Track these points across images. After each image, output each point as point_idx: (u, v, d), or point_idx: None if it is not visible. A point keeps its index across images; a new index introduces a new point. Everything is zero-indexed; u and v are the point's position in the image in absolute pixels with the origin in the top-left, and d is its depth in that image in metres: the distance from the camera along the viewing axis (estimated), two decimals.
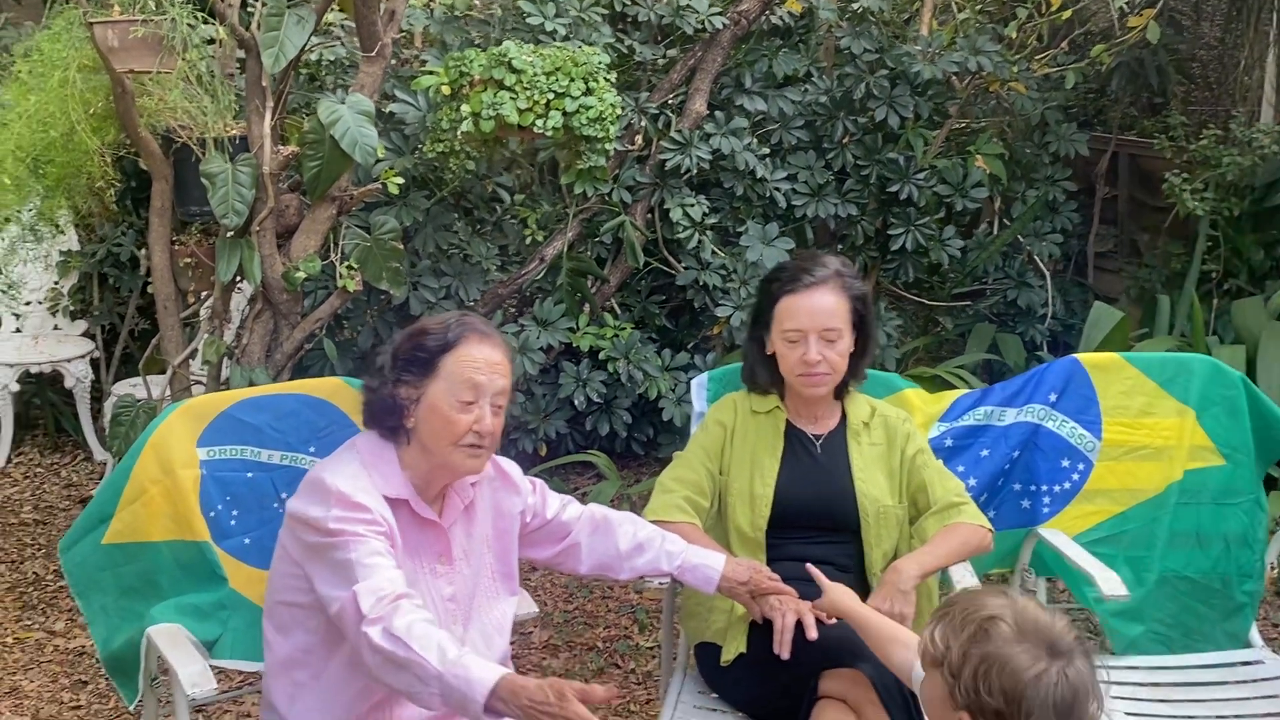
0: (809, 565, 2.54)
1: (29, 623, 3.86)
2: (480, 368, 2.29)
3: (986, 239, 5.79)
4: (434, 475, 2.32)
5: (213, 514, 2.62)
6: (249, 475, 2.66)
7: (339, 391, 2.74)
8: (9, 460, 5.09)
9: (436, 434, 2.27)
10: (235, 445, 2.66)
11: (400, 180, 3.98)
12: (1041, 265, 5.81)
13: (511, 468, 2.53)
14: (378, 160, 3.82)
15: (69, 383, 5.17)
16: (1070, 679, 1.75)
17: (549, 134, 3.99)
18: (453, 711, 2.04)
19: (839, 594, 2.43)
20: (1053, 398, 3.13)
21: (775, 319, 2.78)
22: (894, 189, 5.10)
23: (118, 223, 5.21)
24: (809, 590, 2.63)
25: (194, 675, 2.28)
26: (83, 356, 5.22)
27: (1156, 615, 3.05)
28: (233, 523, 2.65)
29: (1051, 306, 5.80)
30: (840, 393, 2.87)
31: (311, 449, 2.69)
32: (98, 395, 5.32)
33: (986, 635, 1.79)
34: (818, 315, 2.72)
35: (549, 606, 4.06)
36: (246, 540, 2.65)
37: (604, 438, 4.96)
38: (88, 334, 5.42)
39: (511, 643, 3.78)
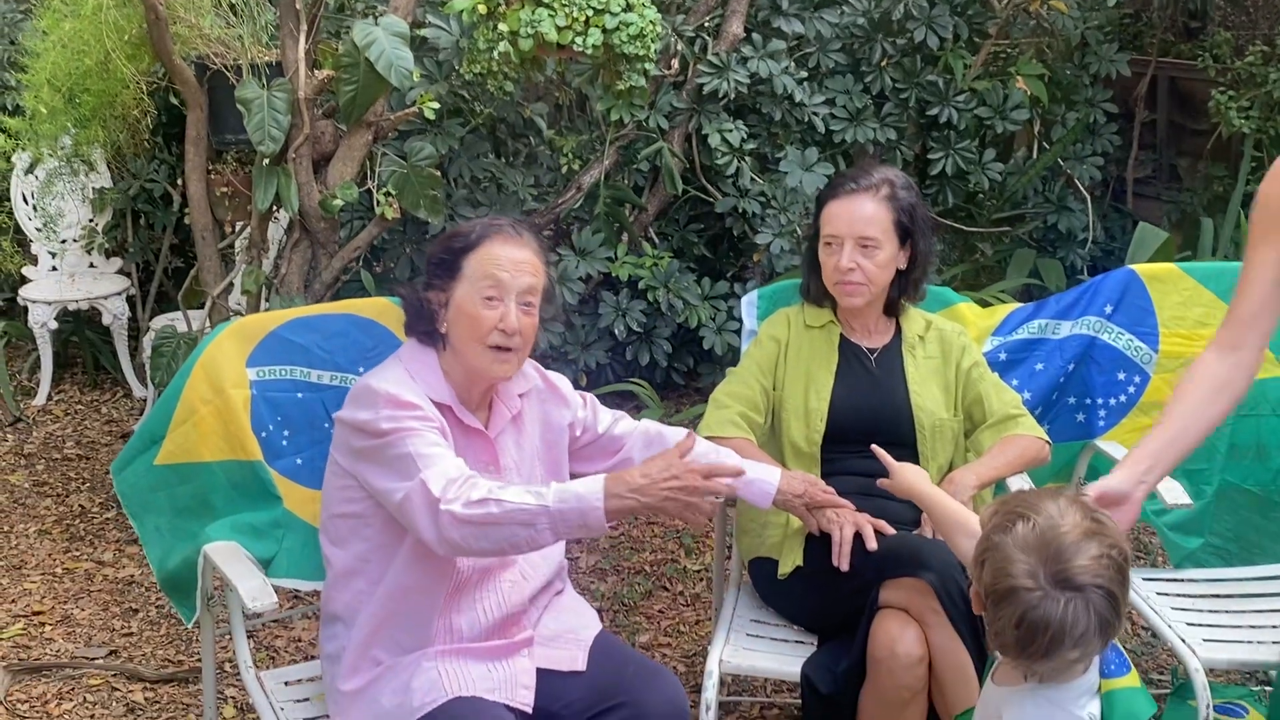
0: (874, 446, 2.47)
1: (77, 554, 3.88)
2: (502, 264, 2.26)
3: (1026, 163, 5.69)
4: (471, 381, 2.30)
5: (264, 434, 2.61)
6: (299, 395, 2.65)
7: (387, 311, 2.72)
8: (50, 398, 5.10)
9: (464, 334, 2.25)
10: (285, 365, 2.64)
11: (436, 105, 3.92)
12: (1082, 188, 5.71)
13: (561, 381, 2.51)
14: (413, 86, 3.77)
15: (106, 320, 5.17)
16: (1050, 612, 1.66)
17: (589, 52, 3.92)
18: (569, 536, 2.06)
19: (908, 474, 2.32)
20: (1108, 310, 3.07)
21: (821, 225, 2.74)
22: (933, 112, 5.00)
23: (151, 158, 5.17)
24: (865, 505, 2.61)
25: (254, 590, 2.28)
26: (119, 294, 5.22)
27: (1215, 528, 3.01)
28: (284, 443, 2.63)
29: (1092, 231, 5.71)
30: (893, 309, 2.82)
31: (360, 369, 2.67)
32: (134, 333, 5.32)
33: (1008, 528, 1.73)
34: (855, 222, 2.67)
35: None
36: (299, 460, 2.64)
37: (644, 368, 4.93)
38: (123, 271, 5.41)
39: None
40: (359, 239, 3.98)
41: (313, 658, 2.94)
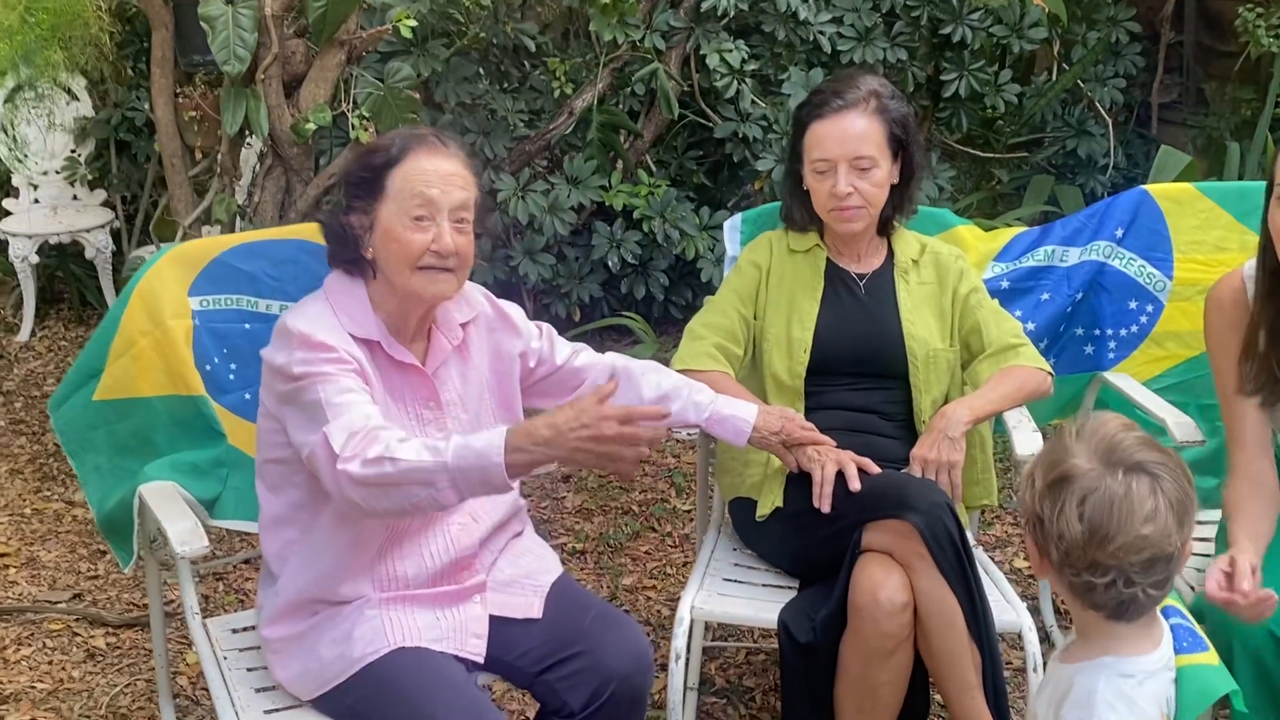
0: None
1: (48, 494, 3.76)
2: (431, 179, 2.06)
3: (1045, 85, 5.44)
4: (406, 309, 2.12)
5: (209, 367, 2.46)
6: (246, 326, 2.49)
7: None
8: (33, 334, 4.97)
9: (394, 259, 2.06)
10: (230, 294, 2.48)
11: (413, 23, 3.72)
12: (1103, 112, 5.47)
13: (513, 309, 2.32)
14: (386, 1, 3.57)
15: (89, 253, 5.02)
16: (1113, 489, 1.55)
17: None
18: (472, 494, 1.89)
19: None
20: (1119, 233, 2.86)
21: (805, 149, 2.54)
22: (946, 31, 4.76)
23: (132, 86, 4.99)
24: (851, 441, 2.44)
25: (183, 533, 2.13)
26: (102, 226, 5.06)
27: None
28: (231, 377, 2.48)
29: (1113, 156, 5.47)
30: (885, 229, 2.63)
31: None
32: (120, 266, 5.17)
33: (1055, 439, 1.65)
34: (847, 142, 2.48)
35: (583, 471, 3.89)
36: (247, 395, 2.48)
37: (640, 301, 4.75)
38: (107, 203, 5.25)
39: (543, 506, 3.69)
40: (334, 165, 3.80)
41: None
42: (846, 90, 2.50)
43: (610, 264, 4.59)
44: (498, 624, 2.12)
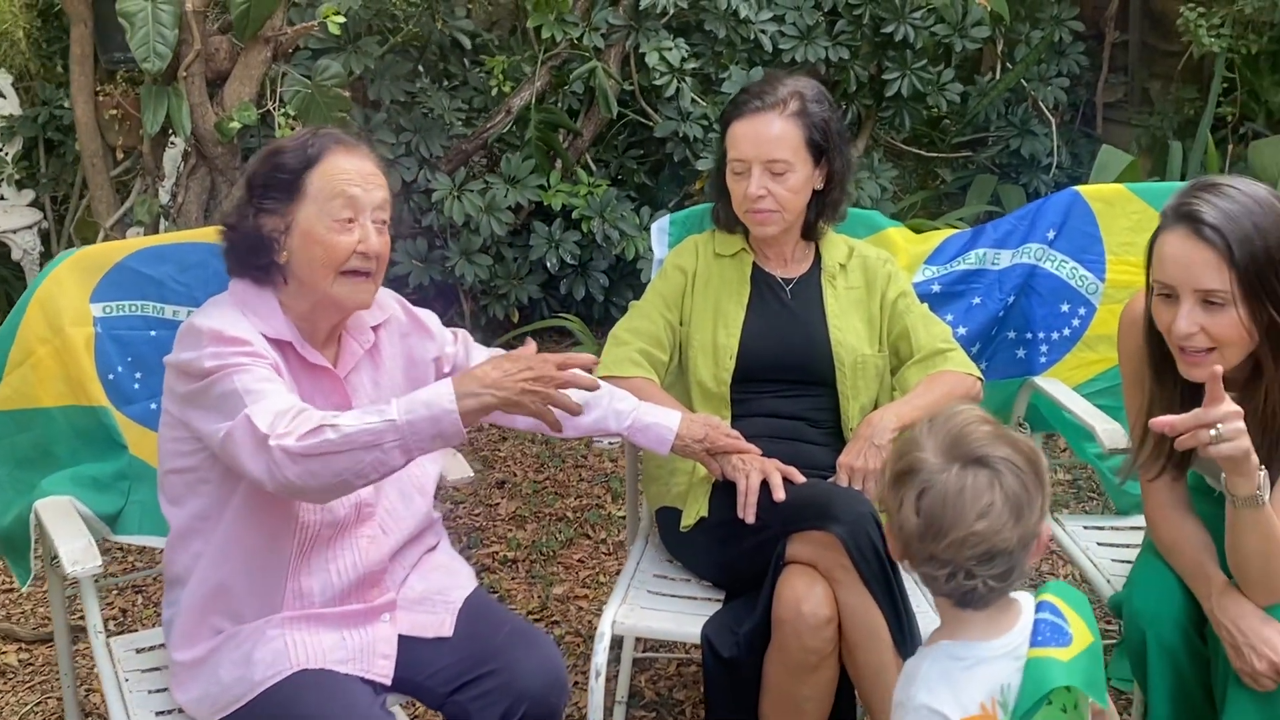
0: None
1: None
2: (353, 179, 2.00)
3: (988, 84, 5.42)
4: (319, 314, 2.05)
5: (112, 376, 2.37)
6: (152, 334, 2.40)
7: None
8: None
9: (315, 263, 1.98)
10: (135, 300, 2.39)
11: (342, 19, 3.63)
12: (1046, 112, 5.46)
13: (428, 315, 2.26)
14: None
15: (16, 255, 4.89)
16: (948, 484, 1.55)
17: None
18: (421, 450, 1.84)
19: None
20: (1051, 235, 2.83)
21: (726, 148, 2.48)
22: (889, 30, 4.73)
23: (60, 84, 4.86)
24: (777, 448, 2.38)
25: (75, 552, 2.04)
26: (29, 227, 4.91)
27: None
28: (136, 386, 2.39)
29: (1057, 156, 5.46)
30: (811, 233, 2.57)
31: None
32: None
33: (913, 431, 1.67)
34: (761, 144, 2.42)
35: (517, 477, 3.83)
36: (153, 405, 2.39)
37: (580, 302, 4.68)
38: (36, 204, 5.11)
39: (476, 514, 3.62)
40: None
41: None
42: (768, 91, 2.45)
43: (549, 265, 4.53)
44: (407, 643, 2.05)
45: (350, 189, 1.99)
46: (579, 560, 3.40)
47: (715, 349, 2.48)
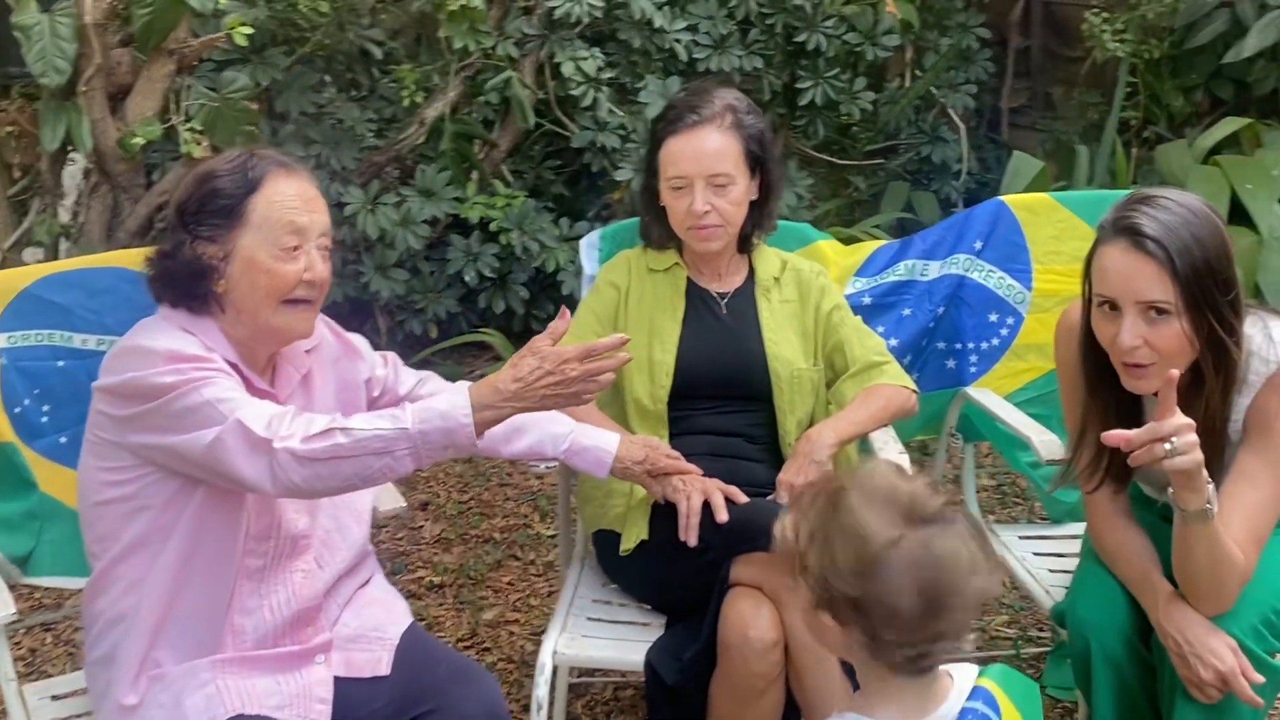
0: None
1: None
2: (298, 206, 1.93)
3: (898, 92, 5.46)
4: (257, 344, 1.97)
5: (18, 410, 2.25)
6: (60, 364, 2.28)
7: None
8: None
9: (259, 292, 1.91)
10: (41, 329, 2.27)
11: (249, 30, 3.52)
12: (955, 118, 5.51)
13: (358, 339, 2.20)
14: (219, 8, 3.37)
15: None
16: (934, 550, 1.42)
17: None
18: (431, 459, 1.82)
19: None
20: (978, 245, 2.83)
21: (661, 165, 2.44)
22: (801, 38, 4.74)
23: None
24: (717, 467, 2.34)
25: None
26: None
27: None
28: (44, 419, 2.27)
29: (966, 162, 5.52)
30: (745, 246, 2.54)
31: None
32: None
33: (833, 508, 1.47)
34: (703, 159, 2.38)
35: (441, 498, 3.74)
36: (63, 439, 2.27)
37: (500, 316, 4.61)
38: None
39: (399, 538, 3.53)
40: (165, 181, 3.60)
41: None
42: (702, 105, 2.41)
43: (467, 278, 4.45)
44: (343, 684, 1.96)
45: (297, 217, 1.92)
46: (508, 583, 3.32)
47: (651, 366, 2.43)
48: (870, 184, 5.50)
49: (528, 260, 4.46)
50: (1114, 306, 1.96)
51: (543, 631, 3.03)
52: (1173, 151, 4.81)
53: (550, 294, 4.70)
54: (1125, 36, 5.21)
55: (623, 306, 2.49)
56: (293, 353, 2.05)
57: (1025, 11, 6.26)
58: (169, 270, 1.93)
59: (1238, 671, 1.92)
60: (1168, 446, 1.79)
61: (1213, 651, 1.94)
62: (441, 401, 1.81)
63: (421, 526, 3.58)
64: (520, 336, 4.66)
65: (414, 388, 2.23)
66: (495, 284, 4.56)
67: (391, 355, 2.26)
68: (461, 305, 4.59)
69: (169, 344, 1.86)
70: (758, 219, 2.51)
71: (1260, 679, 1.94)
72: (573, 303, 4.43)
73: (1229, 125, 4.82)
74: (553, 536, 3.54)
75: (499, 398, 1.82)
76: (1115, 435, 1.82)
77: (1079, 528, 2.71)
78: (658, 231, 2.52)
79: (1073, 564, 2.57)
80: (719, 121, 2.41)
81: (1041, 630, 3.09)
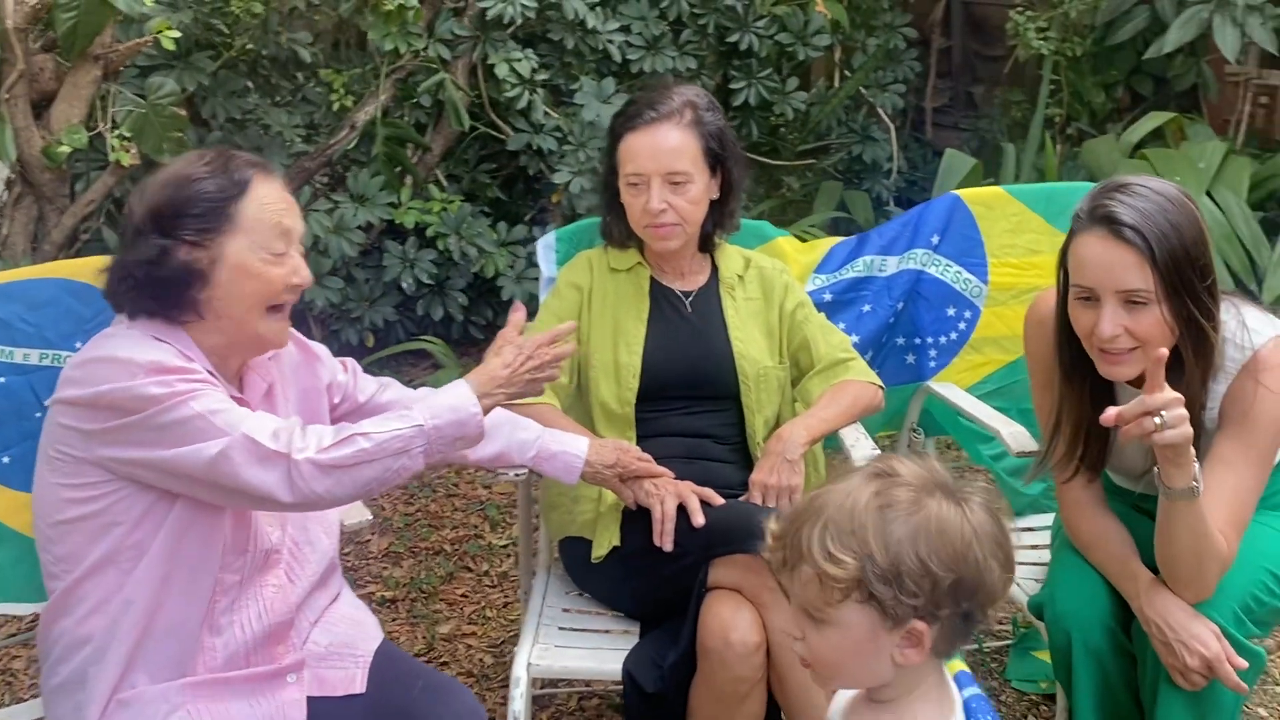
0: None
1: None
2: (284, 209, 1.89)
3: (828, 92, 5.48)
4: (231, 353, 1.91)
5: None
6: (0, 380, 2.16)
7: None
8: None
9: (245, 298, 1.85)
10: None
11: (176, 34, 3.40)
12: (885, 118, 5.55)
13: (319, 348, 2.16)
14: (145, 11, 3.25)
15: None
16: (973, 521, 1.40)
17: None
18: (440, 455, 1.86)
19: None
20: (935, 240, 2.83)
21: (619, 162, 2.39)
22: (733, 39, 4.74)
23: None
24: (688, 470, 2.30)
25: None
26: None
27: None
28: None
29: (896, 161, 5.56)
30: (706, 245, 2.51)
31: (77, 344, 2.19)
32: None
33: (890, 505, 1.39)
34: (661, 156, 2.34)
35: (387, 510, 3.65)
36: (4, 459, 2.16)
37: (438, 323, 4.52)
38: None
39: (346, 553, 3.43)
40: (92, 190, 3.46)
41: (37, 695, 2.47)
42: (661, 101, 2.37)
43: (404, 285, 4.36)
44: (318, 702, 1.89)
45: (285, 220, 1.88)
46: (462, 595, 3.25)
47: (618, 368, 2.39)
48: (803, 184, 5.51)
49: (466, 265, 4.38)
50: (1092, 296, 1.95)
51: (501, 644, 3.01)
52: (1100, 146, 4.88)
53: (489, 299, 4.63)
54: (1049, 35, 5.28)
55: (586, 308, 2.44)
56: (258, 361, 1.99)
57: (946, 12, 6.33)
58: (146, 278, 1.84)
59: (1223, 657, 1.93)
60: (1157, 420, 1.79)
61: (1197, 637, 1.94)
62: (446, 395, 1.86)
63: (369, 540, 3.49)
64: (459, 343, 4.58)
65: (374, 394, 2.17)
66: (433, 290, 4.48)
67: (351, 362, 2.20)
68: (399, 312, 4.50)
69: (149, 355, 1.78)
70: (719, 218, 2.47)
71: (1244, 664, 1.94)
72: (524, 307, 4.40)
73: (1154, 120, 4.91)
74: (505, 546, 3.47)
75: (495, 385, 1.90)
76: (1110, 414, 1.81)
77: (1042, 519, 2.73)
78: (618, 230, 2.47)
79: (1037, 556, 2.58)
80: (678, 118, 2.37)
81: (1002, 623, 3.09)
